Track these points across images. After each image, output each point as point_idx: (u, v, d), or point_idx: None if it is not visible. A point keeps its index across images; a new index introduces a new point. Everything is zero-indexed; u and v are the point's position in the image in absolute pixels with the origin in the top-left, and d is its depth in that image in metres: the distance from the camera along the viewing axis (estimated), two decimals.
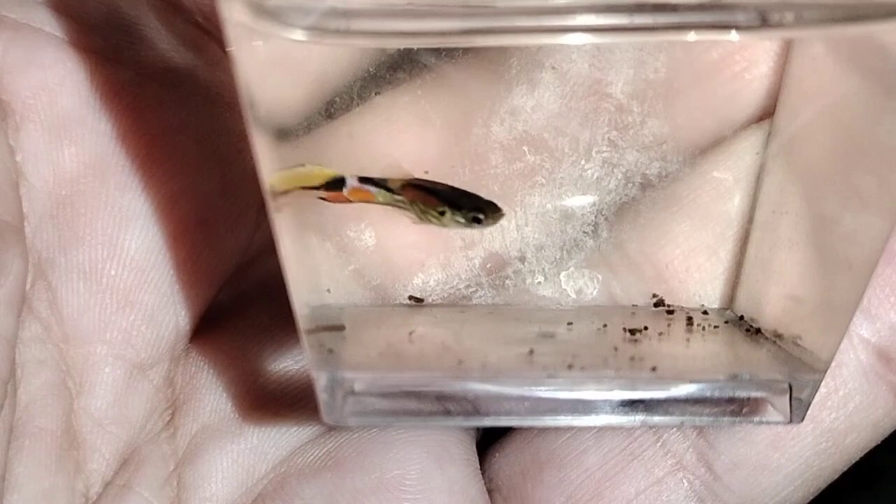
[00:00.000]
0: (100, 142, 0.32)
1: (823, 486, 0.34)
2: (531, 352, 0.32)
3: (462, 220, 0.32)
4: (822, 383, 0.31)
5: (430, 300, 0.35)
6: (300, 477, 0.33)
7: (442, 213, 0.32)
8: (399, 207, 0.32)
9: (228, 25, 0.24)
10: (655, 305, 0.34)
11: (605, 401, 0.31)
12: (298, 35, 0.24)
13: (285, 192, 0.29)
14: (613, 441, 0.34)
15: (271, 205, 0.27)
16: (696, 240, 0.33)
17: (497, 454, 0.35)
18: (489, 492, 0.35)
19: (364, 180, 0.32)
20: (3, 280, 0.29)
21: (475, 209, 0.32)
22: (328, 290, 0.33)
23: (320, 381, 0.30)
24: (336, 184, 0.32)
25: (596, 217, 0.34)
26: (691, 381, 0.31)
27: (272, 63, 0.27)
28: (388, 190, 0.32)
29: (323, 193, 0.32)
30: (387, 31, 0.25)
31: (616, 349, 0.32)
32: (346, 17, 0.24)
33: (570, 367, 0.31)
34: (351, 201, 0.32)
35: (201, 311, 0.34)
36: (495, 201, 0.32)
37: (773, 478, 0.33)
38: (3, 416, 0.29)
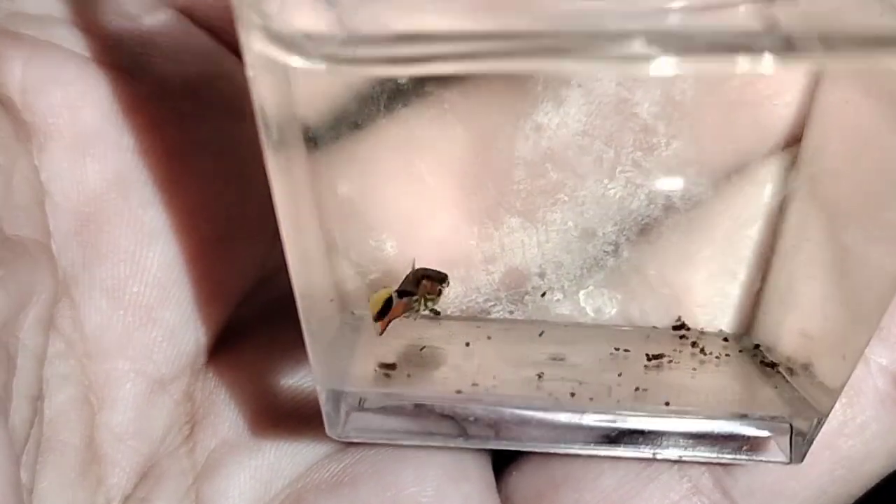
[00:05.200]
0: (122, 158, 0.32)
1: None
2: (540, 375, 0.32)
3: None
4: (840, 410, 0.31)
5: (447, 313, 0.35)
6: (316, 493, 0.33)
7: (439, 293, 0.33)
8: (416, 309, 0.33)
9: (248, 53, 0.23)
10: (675, 329, 0.34)
11: (606, 430, 0.31)
12: (317, 64, 0.24)
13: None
14: (630, 464, 0.33)
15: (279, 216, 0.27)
16: (717, 265, 0.33)
17: (513, 473, 0.35)
18: None
19: (402, 293, 0.32)
20: (36, 299, 0.29)
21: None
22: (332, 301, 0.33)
23: (322, 395, 0.30)
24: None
25: (617, 237, 0.34)
26: (695, 416, 0.31)
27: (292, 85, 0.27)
28: (410, 294, 0.33)
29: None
30: (406, 57, 0.25)
31: (623, 377, 0.32)
32: (362, 44, 0.24)
33: (572, 394, 0.31)
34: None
35: (221, 327, 0.34)
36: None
37: None
38: (32, 432, 0.29)
